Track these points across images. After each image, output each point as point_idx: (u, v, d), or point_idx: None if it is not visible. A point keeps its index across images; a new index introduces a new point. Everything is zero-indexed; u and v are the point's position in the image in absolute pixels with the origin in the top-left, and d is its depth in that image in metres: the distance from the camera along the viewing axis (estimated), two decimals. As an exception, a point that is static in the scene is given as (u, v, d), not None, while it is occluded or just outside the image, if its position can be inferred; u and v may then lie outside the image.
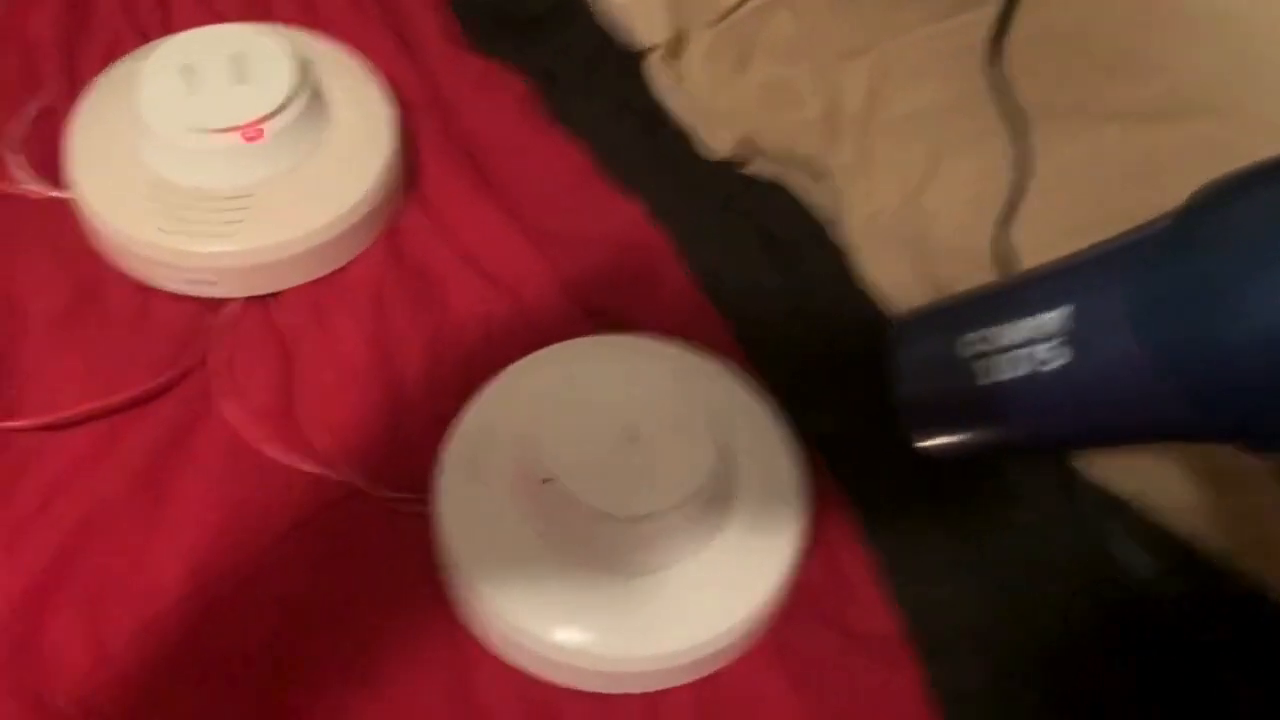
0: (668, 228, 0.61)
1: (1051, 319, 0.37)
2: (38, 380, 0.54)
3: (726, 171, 0.65)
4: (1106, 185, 0.55)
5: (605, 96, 0.66)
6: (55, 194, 0.59)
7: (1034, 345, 0.37)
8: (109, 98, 0.59)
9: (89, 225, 0.57)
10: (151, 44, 0.62)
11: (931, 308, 0.46)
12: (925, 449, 0.47)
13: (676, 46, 0.68)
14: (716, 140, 0.65)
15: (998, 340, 0.39)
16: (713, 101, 0.66)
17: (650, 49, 0.67)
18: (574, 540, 0.47)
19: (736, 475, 0.50)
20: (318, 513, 0.52)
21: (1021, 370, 0.38)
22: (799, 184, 0.64)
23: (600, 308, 0.59)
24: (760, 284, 0.60)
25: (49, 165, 0.60)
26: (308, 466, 0.53)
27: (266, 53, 0.57)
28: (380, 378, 0.56)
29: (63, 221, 0.59)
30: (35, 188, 0.60)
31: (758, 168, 0.66)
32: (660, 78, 0.66)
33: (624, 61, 0.68)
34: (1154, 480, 0.51)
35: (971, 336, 0.40)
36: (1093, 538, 0.50)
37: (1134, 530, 0.50)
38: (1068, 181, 0.56)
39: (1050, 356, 0.37)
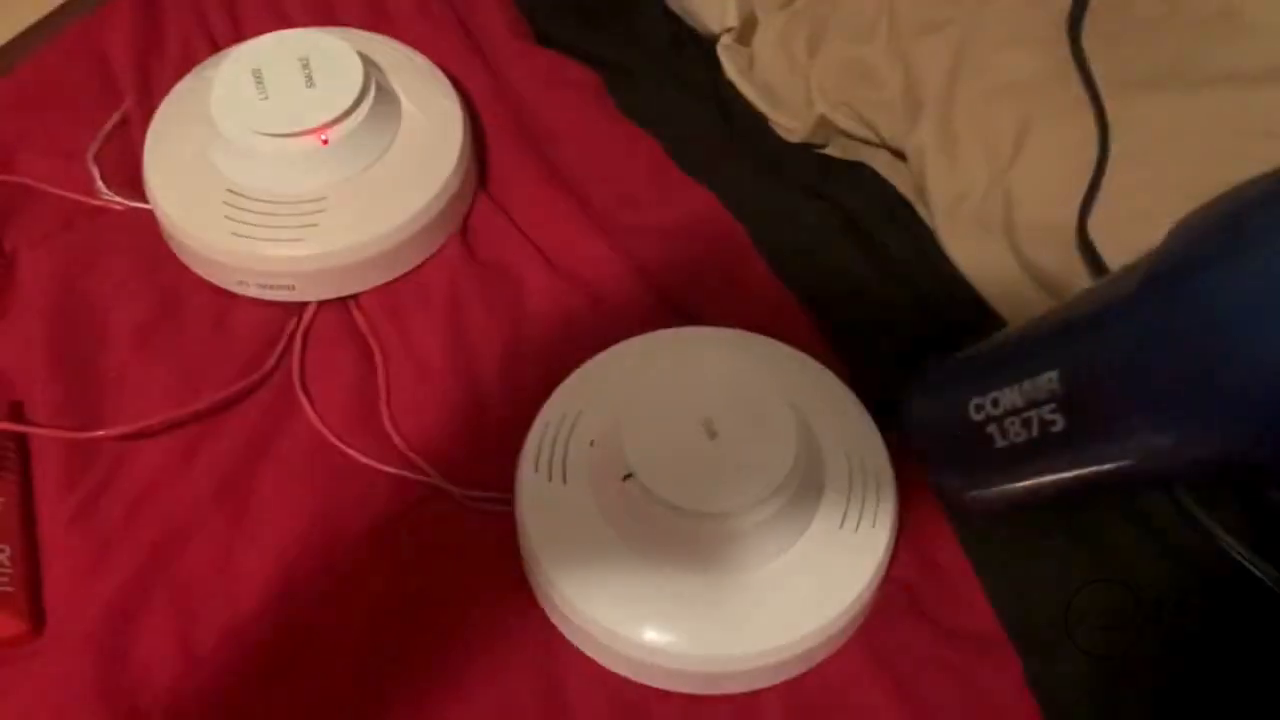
0: (744, 216, 0.59)
1: (1043, 383, 0.36)
2: (122, 389, 0.54)
3: (804, 154, 0.64)
4: (1197, 156, 0.53)
5: (677, 84, 0.64)
6: (135, 205, 0.60)
7: (1037, 408, 0.36)
8: (183, 107, 0.60)
9: (168, 234, 0.58)
10: (222, 52, 0.62)
11: (938, 369, 0.45)
12: (955, 505, 0.46)
13: (747, 30, 0.66)
14: (792, 124, 0.63)
15: (1003, 404, 0.38)
16: (787, 84, 0.64)
17: (721, 33, 0.65)
18: (656, 538, 0.46)
19: (823, 469, 0.49)
20: (401, 513, 0.52)
21: (1034, 432, 0.37)
22: (881, 163, 0.62)
23: (678, 300, 0.58)
24: (842, 270, 0.58)
25: (128, 176, 0.61)
26: (390, 467, 0.53)
27: (335, 56, 0.57)
28: (459, 376, 0.55)
29: (144, 232, 0.59)
30: (116, 199, 0.60)
31: (836, 149, 0.64)
32: (732, 63, 0.65)
33: (694, 47, 0.66)
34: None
35: (979, 400, 0.39)
36: (1199, 532, 0.47)
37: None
38: (1153, 156, 0.54)
39: (1052, 419, 0.36)
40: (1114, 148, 0.54)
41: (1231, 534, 0.46)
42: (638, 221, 0.60)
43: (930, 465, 0.45)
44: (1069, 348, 0.36)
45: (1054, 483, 0.38)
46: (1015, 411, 0.37)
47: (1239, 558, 0.46)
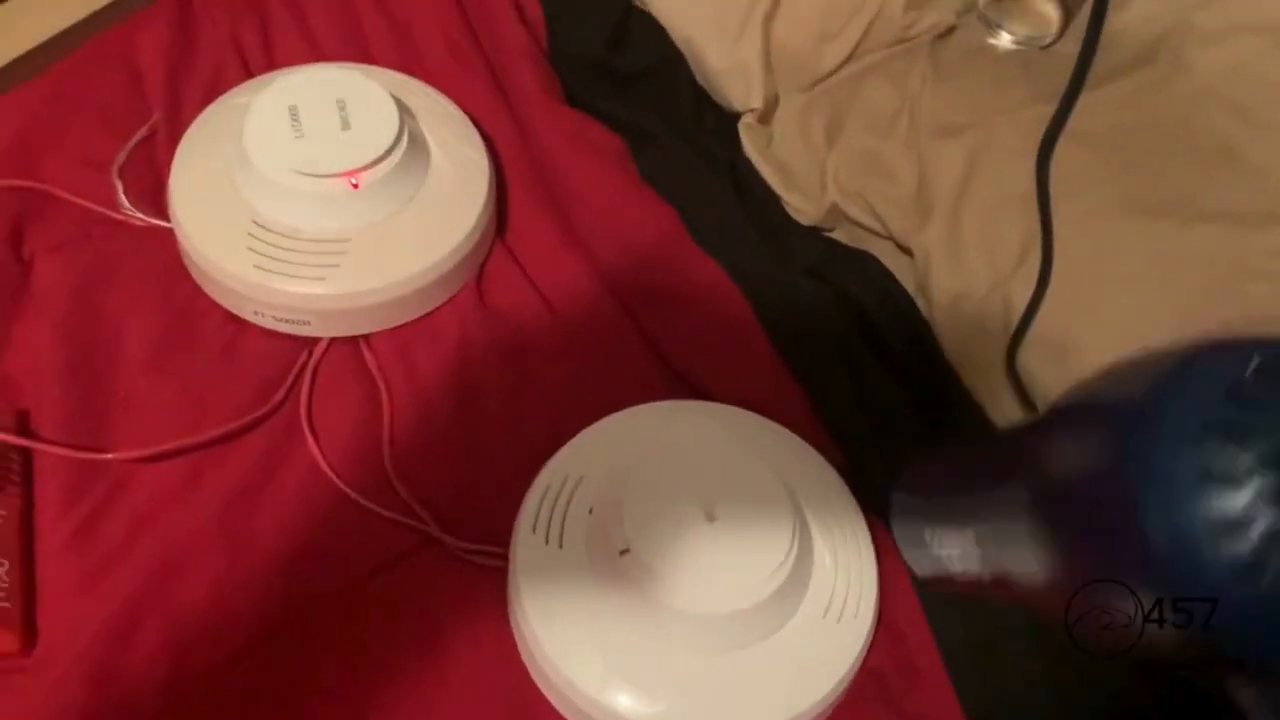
0: (750, 292, 0.61)
1: (968, 535, 0.37)
2: (130, 409, 0.55)
3: (812, 236, 0.66)
4: (1190, 289, 0.55)
5: (697, 156, 0.66)
6: (155, 222, 0.60)
7: (965, 560, 0.38)
8: (213, 132, 0.60)
9: (187, 256, 0.59)
10: (258, 80, 0.63)
11: (903, 492, 0.46)
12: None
13: (769, 110, 0.68)
14: (805, 206, 0.65)
15: (946, 543, 0.39)
16: (802, 167, 0.66)
17: (744, 113, 0.67)
18: (647, 614, 0.48)
19: (811, 558, 0.50)
20: (395, 559, 0.52)
21: (972, 572, 0.38)
22: (884, 253, 0.64)
23: (682, 368, 0.59)
24: (842, 355, 0.60)
25: (150, 192, 0.61)
26: (387, 512, 0.53)
27: (371, 100, 0.58)
28: (462, 426, 0.57)
29: (161, 250, 0.60)
30: (137, 215, 0.61)
31: (843, 234, 0.66)
32: (751, 141, 0.67)
33: (718, 122, 0.68)
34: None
35: (930, 531, 0.41)
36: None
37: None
38: (1146, 285, 0.56)
39: (982, 566, 0.37)
40: (1108, 268, 0.56)
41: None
42: (648, 287, 0.62)
43: (903, 552, 0.46)
44: (979, 514, 0.37)
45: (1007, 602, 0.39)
46: (955, 550, 0.39)
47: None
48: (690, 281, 0.62)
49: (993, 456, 0.38)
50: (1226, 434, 0.26)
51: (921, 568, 0.45)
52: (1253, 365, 0.27)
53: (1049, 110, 0.61)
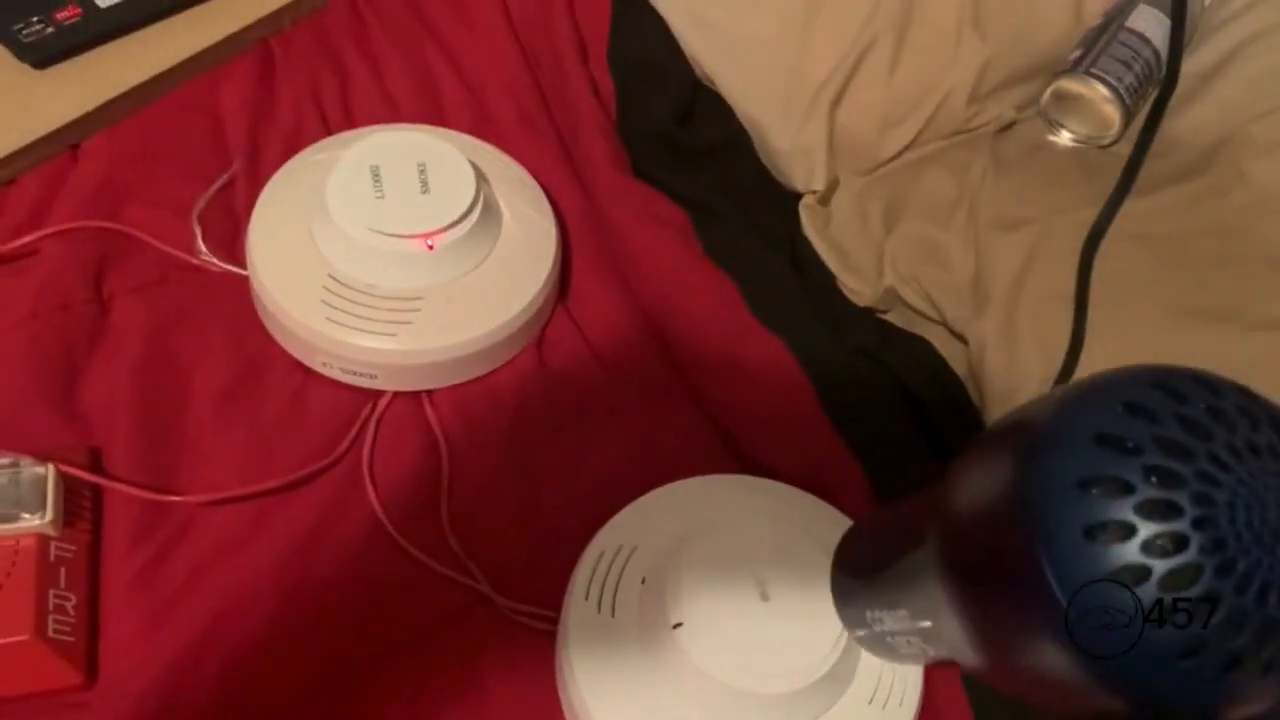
0: (811, 370, 0.62)
1: (900, 613, 0.35)
2: (198, 452, 0.56)
3: (867, 318, 0.67)
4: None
5: (758, 233, 0.68)
6: (231, 269, 0.62)
7: (907, 636, 0.35)
8: (295, 185, 0.62)
9: (260, 304, 0.60)
10: (339, 137, 0.65)
11: (838, 570, 0.43)
12: None
13: (829, 192, 0.70)
14: (861, 288, 0.66)
15: (886, 622, 0.37)
16: (859, 250, 0.67)
17: (805, 193, 0.69)
18: (696, 690, 0.48)
19: (860, 650, 0.51)
20: (448, 617, 0.53)
21: (917, 650, 0.36)
22: (937, 338, 0.65)
23: (738, 439, 0.60)
24: (896, 438, 0.61)
25: (228, 240, 0.63)
26: (442, 567, 0.54)
27: (450, 164, 0.60)
28: (518, 486, 0.58)
29: (235, 296, 0.62)
30: (214, 261, 0.63)
31: (897, 317, 0.67)
32: (811, 221, 0.68)
33: (779, 201, 0.70)
34: None
35: (870, 615, 0.38)
36: None
37: None
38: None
39: (925, 645, 0.35)
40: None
41: None
42: (706, 357, 0.63)
43: (853, 637, 0.43)
44: (901, 587, 0.35)
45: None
46: (894, 632, 0.36)
47: None
48: (749, 354, 0.63)
49: (909, 515, 0.35)
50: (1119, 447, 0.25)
51: (878, 654, 0.42)
52: (1148, 382, 0.26)
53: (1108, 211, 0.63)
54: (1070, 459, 0.26)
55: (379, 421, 0.59)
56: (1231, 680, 0.25)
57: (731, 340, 0.64)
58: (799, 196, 0.69)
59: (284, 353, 0.60)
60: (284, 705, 0.50)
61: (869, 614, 0.39)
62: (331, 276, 0.58)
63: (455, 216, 0.58)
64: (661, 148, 0.69)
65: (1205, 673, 0.24)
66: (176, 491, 0.54)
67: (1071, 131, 0.68)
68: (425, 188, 0.59)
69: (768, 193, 0.70)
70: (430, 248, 0.58)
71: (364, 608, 0.53)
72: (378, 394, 0.60)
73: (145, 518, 0.53)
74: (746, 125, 0.71)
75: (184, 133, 0.68)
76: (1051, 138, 0.68)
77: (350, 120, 0.70)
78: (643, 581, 0.52)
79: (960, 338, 0.64)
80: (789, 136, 0.68)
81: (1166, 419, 0.26)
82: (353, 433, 0.58)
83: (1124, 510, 0.25)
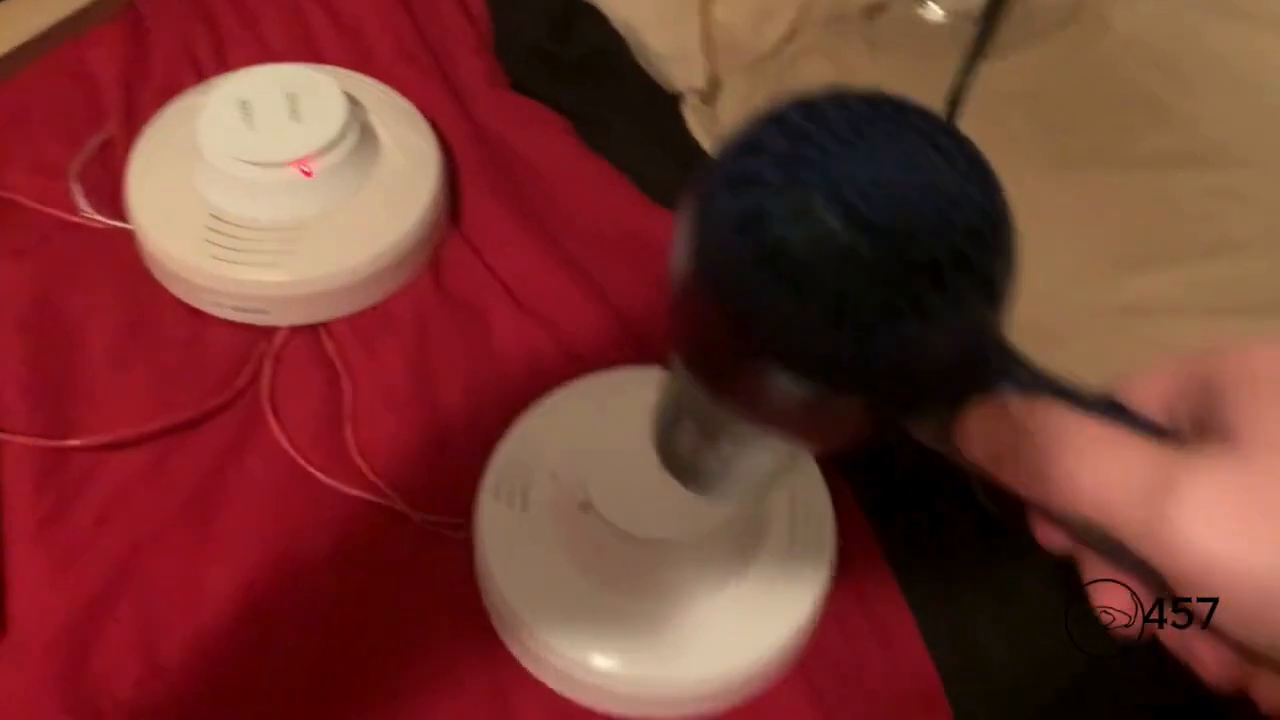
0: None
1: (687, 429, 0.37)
2: (94, 401, 0.56)
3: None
4: (1119, 228, 0.57)
5: (646, 136, 0.68)
6: (114, 224, 0.62)
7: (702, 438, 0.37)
8: (168, 132, 0.62)
9: (147, 254, 0.60)
10: (210, 81, 0.65)
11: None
12: None
13: (712, 91, 0.70)
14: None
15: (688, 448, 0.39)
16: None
17: (687, 93, 0.69)
18: (612, 567, 0.49)
19: (769, 508, 0.51)
20: (362, 535, 0.53)
21: (712, 452, 0.37)
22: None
23: (648, 335, 0.60)
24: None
25: (109, 196, 0.63)
26: (353, 490, 0.54)
27: (320, 92, 0.60)
28: (423, 405, 0.58)
29: (121, 251, 0.61)
30: (96, 217, 0.62)
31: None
32: (698, 121, 0.68)
33: (664, 104, 0.70)
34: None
35: (681, 449, 0.40)
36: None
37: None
38: (1090, 223, 0.58)
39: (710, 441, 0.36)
40: (1040, 218, 0.58)
41: None
42: (606, 249, 0.63)
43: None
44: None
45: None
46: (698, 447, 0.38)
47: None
48: (648, 235, 0.64)
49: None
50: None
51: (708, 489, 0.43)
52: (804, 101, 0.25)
53: (985, 69, 0.64)
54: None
55: (277, 357, 0.59)
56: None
57: (630, 224, 0.64)
58: (682, 99, 0.70)
59: (175, 300, 0.60)
60: (202, 639, 0.50)
61: (679, 448, 0.40)
62: (213, 215, 0.58)
63: (329, 139, 0.58)
64: (539, 63, 0.69)
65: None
66: (74, 439, 0.53)
67: (941, 6, 0.68)
68: (296, 116, 0.58)
69: (651, 97, 0.70)
70: (307, 174, 0.57)
71: (276, 536, 0.53)
72: (273, 331, 0.59)
73: (45, 467, 0.53)
74: (622, 31, 0.71)
75: (56, 97, 0.67)
76: (921, 13, 0.68)
77: (226, 69, 0.69)
78: (552, 474, 0.52)
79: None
80: (665, 37, 0.69)
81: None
82: (250, 368, 0.58)
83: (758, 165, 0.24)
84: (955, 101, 0.53)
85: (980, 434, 0.26)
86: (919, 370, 0.25)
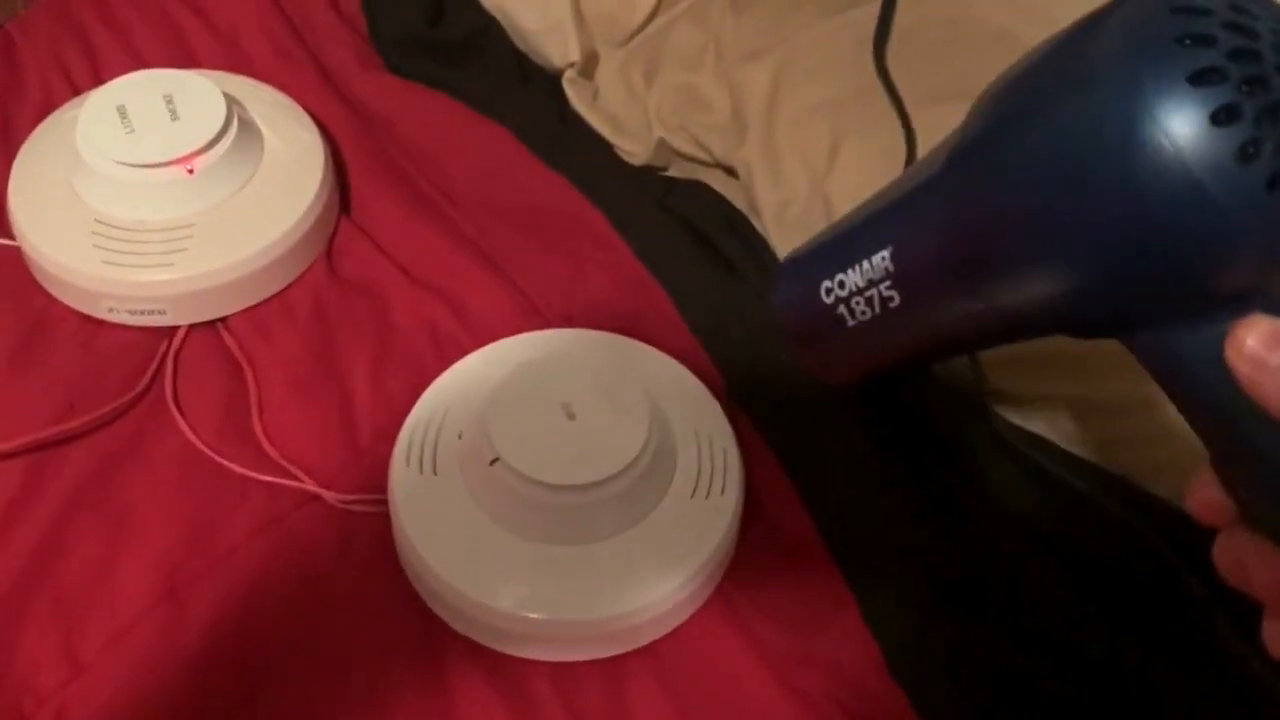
0: (593, 198, 0.64)
1: (878, 262, 0.38)
2: (-9, 414, 0.55)
3: (647, 177, 0.69)
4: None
5: (528, 107, 0.69)
6: (0, 241, 0.61)
7: (875, 286, 0.39)
8: (47, 144, 0.62)
9: (36, 267, 0.60)
10: (87, 94, 0.65)
11: (797, 254, 0.47)
12: (815, 377, 0.49)
13: (590, 65, 0.72)
14: (635, 148, 0.68)
15: (848, 285, 0.40)
16: (628, 113, 0.70)
17: (565, 68, 0.71)
18: (523, 515, 0.50)
19: (675, 445, 0.53)
20: (278, 519, 0.54)
21: (876, 310, 0.39)
22: (716, 181, 0.68)
23: (542, 299, 0.62)
24: (693, 271, 0.63)
25: (-10, 216, 0.62)
26: (266, 476, 0.55)
27: (198, 91, 0.60)
28: (328, 389, 0.58)
29: (7, 267, 0.61)
30: (-22, 237, 0.62)
31: (676, 170, 0.70)
32: (578, 95, 0.70)
33: (544, 82, 0.72)
34: (1058, 420, 0.56)
35: (828, 284, 0.41)
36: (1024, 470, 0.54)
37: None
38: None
39: (890, 295, 0.38)
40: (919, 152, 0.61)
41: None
42: (500, 221, 0.65)
43: (794, 343, 0.47)
44: (894, 226, 0.38)
45: (900, 351, 0.40)
46: (859, 291, 0.39)
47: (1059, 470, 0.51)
48: (542, 196, 0.65)
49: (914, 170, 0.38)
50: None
51: (815, 337, 0.45)
52: None
53: (836, 23, 0.66)
54: (1157, 23, 0.29)
55: (177, 356, 0.59)
56: (1273, 198, 0.27)
57: (521, 190, 0.65)
58: (561, 76, 0.71)
59: (69, 310, 0.60)
60: (123, 636, 0.50)
61: (824, 287, 0.41)
62: (99, 221, 0.58)
63: (209, 137, 0.58)
64: (416, 50, 0.70)
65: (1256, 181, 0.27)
66: (-29, 452, 0.53)
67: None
68: (175, 116, 0.59)
69: (529, 75, 0.72)
70: (190, 172, 0.58)
71: (192, 530, 0.53)
72: (172, 332, 0.59)
73: (-58, 483, 0.52)
74: (495, 13, 0.72)
75: (-72, 123, 0.66)
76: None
77: (101, 82, 0.69)
78: (459, 436, 0.53)
79: (733, 172, 0.66)
80: (537, 15, 0.70)
81: (1216, 3, 0.29)
82: (151, 370, 0.58)
83: (1216, 57, 0.27)
84: (882, 43, 0.56)
85: (1257, 342, 0.27)
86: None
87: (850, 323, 0.41)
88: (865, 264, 0.39)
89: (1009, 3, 0.65)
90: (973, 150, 0.34)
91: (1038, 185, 0.31)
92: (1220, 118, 0.27)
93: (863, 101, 0.63)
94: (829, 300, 0.41)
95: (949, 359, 0.54)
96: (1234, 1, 0.29)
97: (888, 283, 0.38)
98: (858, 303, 0.40)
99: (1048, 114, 0.31)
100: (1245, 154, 0.27)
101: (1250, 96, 0.27)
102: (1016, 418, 0.56)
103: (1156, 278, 0.29)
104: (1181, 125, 0.27)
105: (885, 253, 0.38)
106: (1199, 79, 0.27)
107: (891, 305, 0.38)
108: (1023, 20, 0.64)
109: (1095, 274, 0.30)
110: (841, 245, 0.42)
